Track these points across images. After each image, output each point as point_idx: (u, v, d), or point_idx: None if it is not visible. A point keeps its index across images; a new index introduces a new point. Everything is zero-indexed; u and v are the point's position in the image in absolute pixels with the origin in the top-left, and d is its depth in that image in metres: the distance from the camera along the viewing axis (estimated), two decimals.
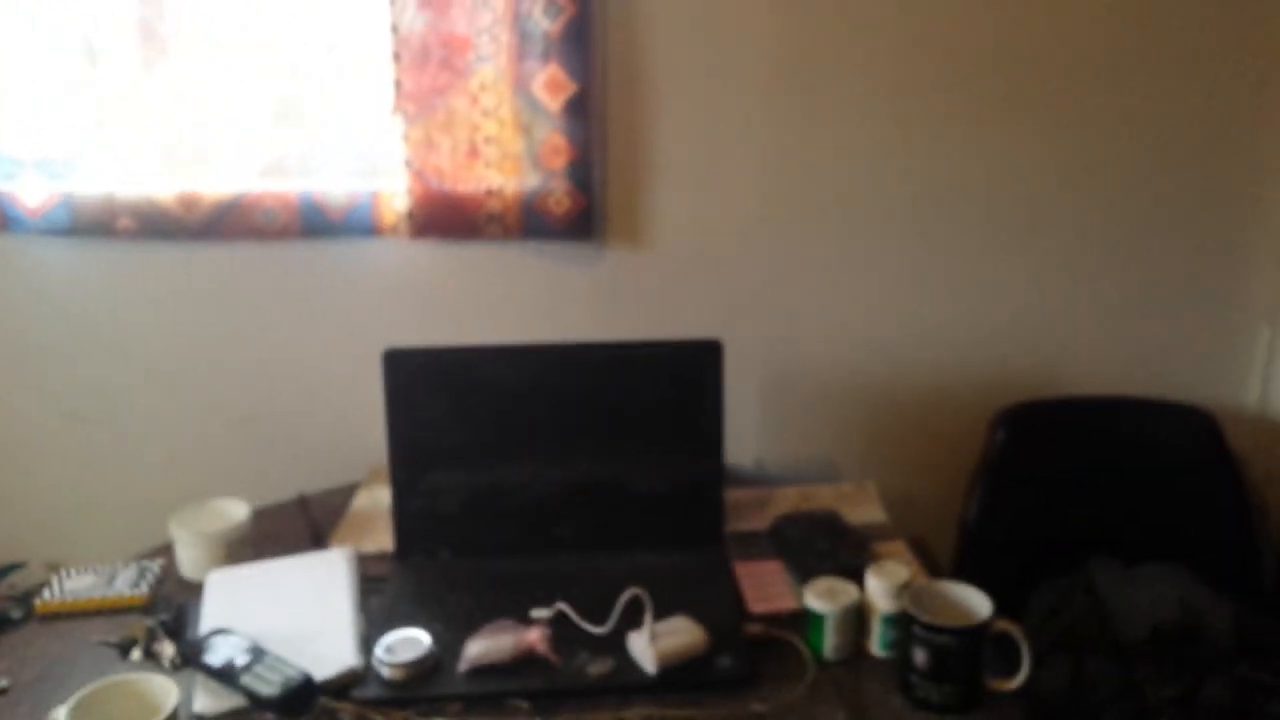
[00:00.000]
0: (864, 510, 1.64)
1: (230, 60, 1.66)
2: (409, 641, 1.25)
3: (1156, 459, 1.79)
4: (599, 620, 1.29)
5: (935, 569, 1.71)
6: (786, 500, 1.68)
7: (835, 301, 1.82)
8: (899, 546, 1.53)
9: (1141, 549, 1.72)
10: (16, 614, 1.40)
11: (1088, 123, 1.74)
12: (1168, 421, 1.81)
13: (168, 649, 1.29)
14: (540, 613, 1.32)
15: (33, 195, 1.67)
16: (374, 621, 1.34)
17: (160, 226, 1.69)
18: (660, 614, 1.27)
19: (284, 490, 1.72)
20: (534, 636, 1.25)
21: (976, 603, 1.23)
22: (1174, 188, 1.79)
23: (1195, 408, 1.81)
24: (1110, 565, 1.69)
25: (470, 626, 1.30)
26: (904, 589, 1.27)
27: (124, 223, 1.67)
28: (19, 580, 1.84)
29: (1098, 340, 1.86)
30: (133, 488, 1.86)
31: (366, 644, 1.28)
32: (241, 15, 1.65)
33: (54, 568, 1.87)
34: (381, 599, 1.40)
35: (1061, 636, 1.60)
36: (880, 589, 1.28)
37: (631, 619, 1.27)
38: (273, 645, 1.25)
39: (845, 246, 1.79)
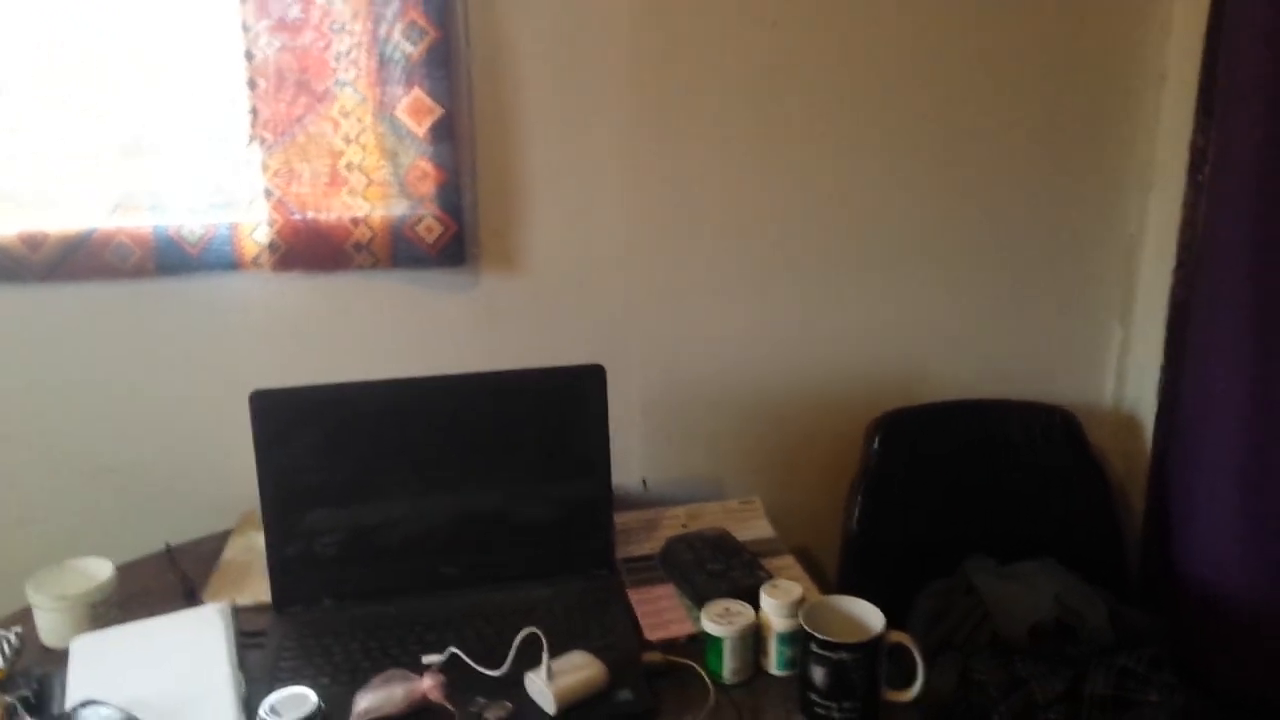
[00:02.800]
0: (752, 526, 1.66)
1: (73, 93, 1.56)
2: (294, 699, 1.18)
3: (1022, 458, 1.86)
4: (494, 661, 1.26)
5: (823, 580, 1.75)
6: (675, 521, 1.67)
7: (712, 319, 1.83)
8: (789, 561, 1.55)
9: (1015, 547, 1.78)
10: None
11: (944, 133, 1.80)
12: (1031, 421, 1.88)
13: None
14: (432, 658, 1.28)
15: None
16: (255, 680, 1.28)
17: (3, 268, 1.57)
18: (556, 649, 1.25)
19: (150, 542, 1.63)
20: (426, 685, 1.21)
21: (869, 616, 1.25)
22: (1027, 194, 1.86)
23: (1056, 406, 1.89)
24: (986, 564, 1.74)
25: (358, 678, 1.25)
26: (798, 606, 1.28)
27: None
28: None
29: (962, 345, 1.92)
30: None
31: (248, 706, 1.21)
32: (84, 45, 1.55)
33: None
34: (262, 654, 1.34)
35: (948, 638, 1.65)
36: (775, 608, 1.29)
37: (528, 657, 1.25)
38: (148, 715, 1.18)
39: (719, 264, 1.80)
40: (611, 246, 1.76)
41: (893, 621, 1.23)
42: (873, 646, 1.20)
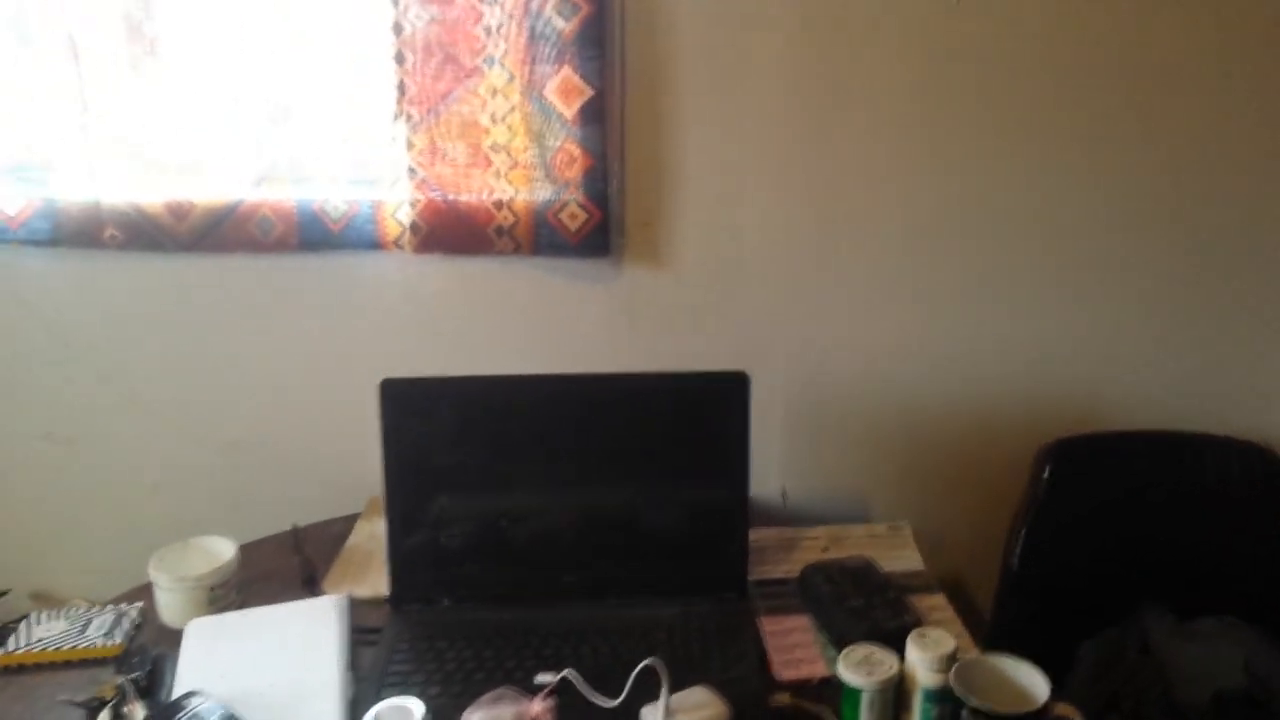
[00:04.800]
0: (899, 556, 1.52)
1: (222, 61, 1.54)
2: (399, 711, 1.13)
3: (1213, 498, 1.66)
4: (609, 686, 1.17)
5: (976, 619, 1.59)
6: (815, 544, 1.55)
7: (868, 326, 1.68)
8: (939, 600, 1.41)
9: (1196, 600, 1.58)
10: None
11: (1139, 139, 1.60)
12: (1227, 458, 1.67)
13: (138, 712, 1.18)
14: (545, 678, 1.20)
15: (10, 202, 1.55)
16: (365, 680, 1.24)
17: (149, 237, 1.57)
18: (677, 676, 1.15)
19: (280, 520, 1.61)
20: (537, 709, 1.13)
21: (1032, 682, 1.11)
22: (1227, 209, 1.64)
23: (1255, 443, 1.67)
24: (1164, 618, 1.56)
25: (470, 688, 1.19)
26: (950, 661, 1.14)
27: (110, 233, 1.56)
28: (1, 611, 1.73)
29: (1149, 370, 1.72)
30: (118, 515, 1.75)
31: (355, 707, 1.17)
32: (234, 13, 1.52)
33: (39, 597, 1.78)
34: (375, 653, 1.29)
35: (1113, 700, 1.48)
36: (923, 661, 1.16)
37: (646, 686, 1.15)
38: (251, 710, 1.15)
39: (879, 268, 1.66)
40: (763, 244, 1.63)
41: (1052, 672, 1.09)
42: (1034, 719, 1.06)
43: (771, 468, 1.74)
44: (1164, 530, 1.65)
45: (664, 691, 1.13)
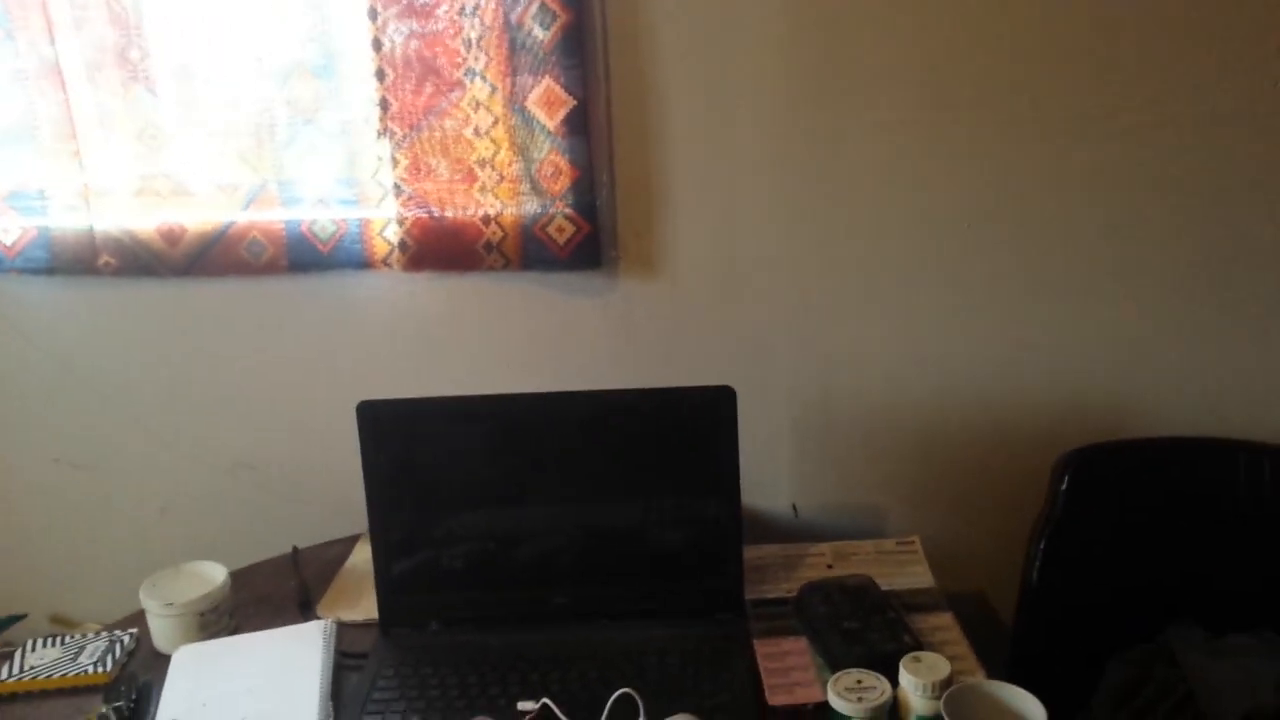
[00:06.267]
0: (907, 572, 1.46)
1: (207, 85, 1.53)
2: None
3: (1244, 508, 1.56)
4: (594, 712, 1.14)
5: (992, 638, 1.52)
6: (819, 560, 1.50)
7: (878, 332, 1.62)
8: (945, 620, 1.35)
9: (1230, 615, 1.50)
10: None
11: (1164, 130, 1.50)
12: (1257, 465, 1.57)
13: None
14: (526, 705, 1.18)
15: (8, 232, 1.57)
16: (346, 708, 1.22)
17: (143, 263, 1.57)
18: (664, 702, 1.13)
19: (282, 540, 1.61)
20: None
21: (1028, 709, 1.05)
22: (1255, 208, 1.54)
23: None
24: (1193, 634, 1.47)
25: (450, 716, 1.18)
26: (943, 687, 1.09)
27: (105, 260, 1.57)
28: (17, 635, 1.75)
29: (1176, 375, 1.62)
30: (128, 539, 1.76)
31: None
32: (218, 38, 1.52)
33: (58, 620, 1.80)
34: (360, 679, 1.28)
35: (1139, 718, 1.40)
36: (915, 686, 1.10)
37: (629, 712, 1.12)
38: None
39: (886, 271, 1.59)
40: (762, 250, 1.58)
41: (1077, 691, 1.03)
42: None
43: (781, 482, 1.69)
44: (1192, 542, 1.56)
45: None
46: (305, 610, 1.45)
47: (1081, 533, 1.56)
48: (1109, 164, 1.53)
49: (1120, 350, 1.62)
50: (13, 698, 1.29)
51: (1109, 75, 1.49)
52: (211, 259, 1.57)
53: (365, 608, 1.42)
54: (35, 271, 1.59)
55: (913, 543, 1.54)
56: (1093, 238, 1.57)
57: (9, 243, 1.57)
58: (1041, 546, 1.55)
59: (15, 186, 1.57)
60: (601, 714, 1.14)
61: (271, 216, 1.56)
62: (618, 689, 1.15)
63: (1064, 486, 1.55)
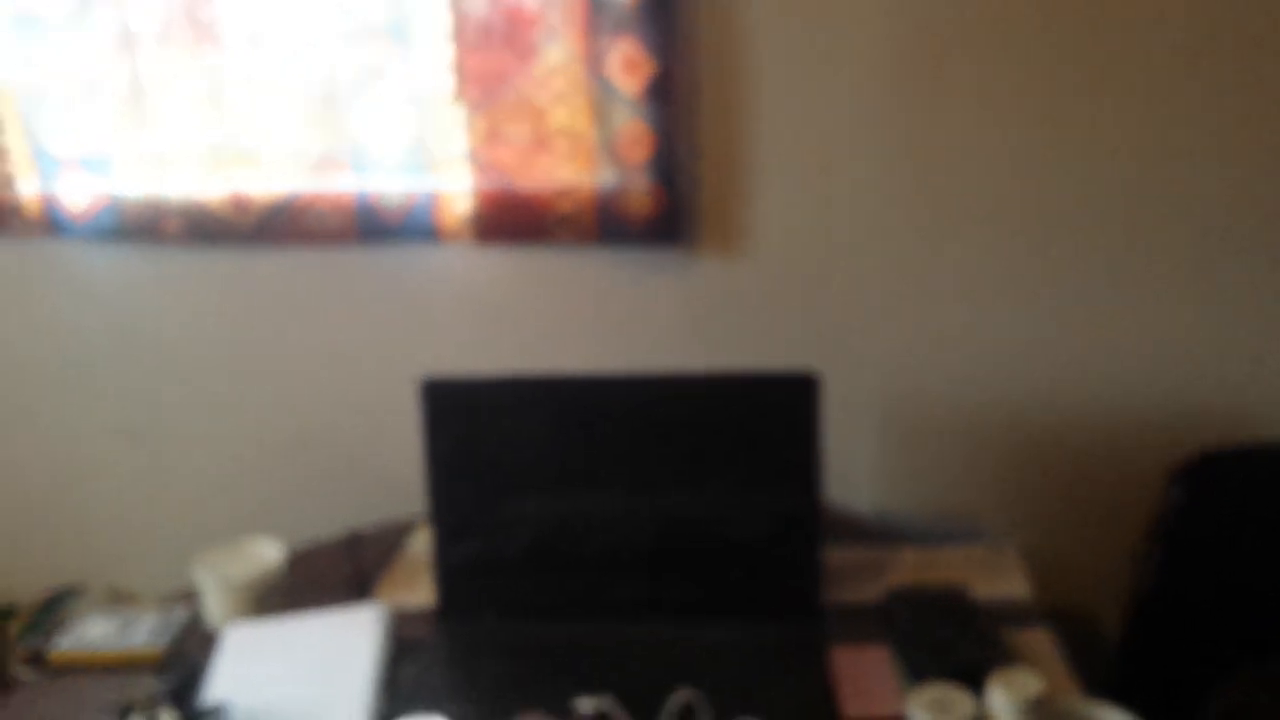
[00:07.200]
0: (1001, 582, 1.35)
1: (277, 47, 1.49)
2: None
3: None
4: (653, 713, 1.07)
5: (1094, 655, 1.41)
6: (906, 565, 1.40)
7: (974, 324, 1.51)
8: (1041, 635, 1.24)
9: None
10: (28, 676, 1.30)
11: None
12: None
13: (167, 719, 1.14)
14: (584, 704, 1.10)
15: (78, 198, 1.55)
16: (399, 696, 1.17)
17: (209, 230, 1.55)
18: (729, 706, 1.06)
19: (340, 519, 1.57)
20: None
21: None
22: None
23: None
24: None
25: (504, 710, 1.11)
26: (1034, 706, 0.99)
27: (172, 226, 1.54)
28: (75, 606, 1.74)
29: None
30: (188, 509, 1.74)
31: None
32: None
33: (115, 593, 1.79)
34: (415, 668, 1.22)
35: None
36: (1004, 705, 1.01)
37: (691, 715, 1.05)
38: None
39: (987, 259, 1.48)
40: (855, 230, 1.49)
41: (1183, 716, 0.92)
42: None
43: (863, 480, 1.59)
44: None
45: None
46: (362, 593, 1.41)
47: (1195, 544, 1.44)
48: (1250, 150, 1.41)
49: (1248, 346, 1.49)
50: (68, 669, 1.27)
51: (1260, 50, 1.36)
52: (279, 227, 1.53)
53: (426, 592, 1.37)
54: (104, 238, 1.57)
55: (1007, 551, 1.43)
56: (1222, 225, 1.44)
57: (78, 209, 1.55)
58: (1153, 557, 1.43)
59: (84, 152, 1.55)
60: (659, 716, 1.06)
61: (341, 186, 1.52)
62: (681, 689, 1.08)
63: (1179, 493, 1.43)
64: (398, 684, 1.20)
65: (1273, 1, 1.35)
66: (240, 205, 1.52)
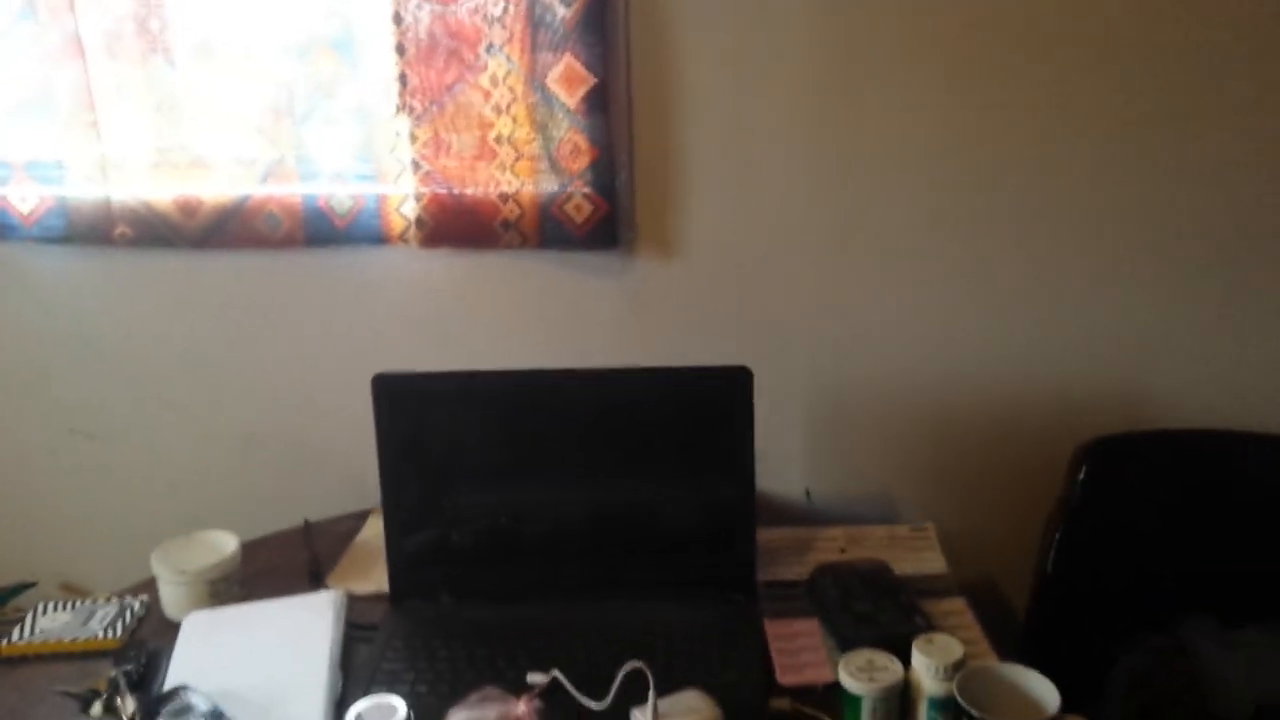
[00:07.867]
0: (920, 558, 1.45)
1: (226, 58, 1.53)
2: (382, 710, 1.10)
3: (1262, 500, 1.55)
4: (600, 688, 1.13)
5: (1005, 626, 1.52)
6: (832, 544, 1.49)
7: (894, 317, 1.61)
8: (958, 605, 1.34)
9: (1246, 608, 1.49)
10: None
11: (1191, 112, 1.50)
12: (1275, 458, 1.56)
13: (129, 704, 1.17)
14: (535, 678, 1.17)
15: (25, 200, 1.57)
16: (355, 678, 1.21)
17: (159, 234, 1.58)
18: (673, 678, 1.12)
19: (293, 514, 1.61)
20: (522, 710, 1.10)
21: (1041, 692, 1.04)
22: None
23: None
24: (1206, 626, 1.46)
25: (458, 689, 1.16)
26: (955, 669, 1.08)
27: (121, 230, 1.57)
28: (26, 602, 1.75)
29: (1195, 364, 1.61)
30: (141, 507, 1.77)
31: (339, 708, 1.14)
32: (238, 10, 1.52)
33: (67, 588, 1.80)
34: (370, 650, 1.27)
35: (1148, 710, 1.39)
36: (927, 667, 1.09)
37: (636, 688, 1.11)
38: (238, 704, 1.14)
39: (904, 256, 1.58)
40: (780, 233, 1.58)
41: (1088, 682, 1.02)
42: None
43: (794, 466, 1.68)
44: (1209, 533, 1.55)
45: (651, 694, 1.08)
46: (316, 581, 1.45)
47: (1097, 522, 1.55)
48: (1132, 151, 1.52)
49: (1137, 340, 1.61)
50: (23, 660, 1.30)
51: (1145, 61, 1.48)
52: (228, 231, 1.57)
53: (376, 580, 1.42)
54: (52, 240, 1.59)
55: (927, 529, 1.53)
56: (1113, 225, 1.56)
57: (26, 211, 1.57)
58: (1058, 535, 1.54)
59: (33, 156, 1.58)
60: (610, 688, 1.13)
61: (289, 190, 1.56)
62: (627, 664, 1.14)
63: (1082, 476, 1.54)
64: (354, 666, 1.24)
65: None
66: (189, 208, 1.56)
